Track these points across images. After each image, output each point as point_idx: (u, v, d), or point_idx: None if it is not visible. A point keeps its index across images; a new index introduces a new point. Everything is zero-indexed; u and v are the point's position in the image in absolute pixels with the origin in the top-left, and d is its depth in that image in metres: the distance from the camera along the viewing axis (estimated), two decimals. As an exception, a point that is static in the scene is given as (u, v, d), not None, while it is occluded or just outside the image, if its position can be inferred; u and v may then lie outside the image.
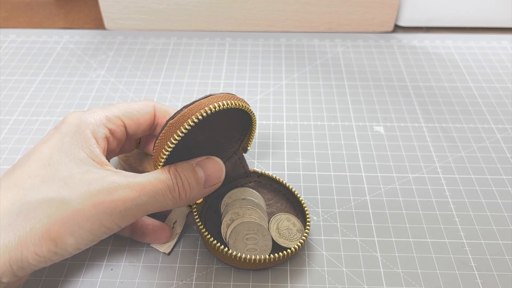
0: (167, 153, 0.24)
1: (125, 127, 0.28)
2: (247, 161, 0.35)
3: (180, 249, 0.29)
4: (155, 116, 0.29)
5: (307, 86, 0.43)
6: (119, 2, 0.49)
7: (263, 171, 0.32)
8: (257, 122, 0.39)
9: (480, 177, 0.34)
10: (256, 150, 0.36)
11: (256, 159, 0.36)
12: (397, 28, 0.52)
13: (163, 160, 0.25)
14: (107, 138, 0.26)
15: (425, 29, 0.52)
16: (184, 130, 0.24)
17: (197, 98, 0.25)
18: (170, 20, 0.51)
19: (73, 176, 0.23)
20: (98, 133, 0.26)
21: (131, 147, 0.31)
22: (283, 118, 0.40)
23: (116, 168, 0.34)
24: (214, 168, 0.26)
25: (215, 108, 0.24)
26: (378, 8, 0.49)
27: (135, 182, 0.23)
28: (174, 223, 0.30)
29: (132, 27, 0.51)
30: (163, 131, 0.24)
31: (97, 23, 0.54)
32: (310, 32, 0.51)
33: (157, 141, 0.25)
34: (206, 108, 0.24)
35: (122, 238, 0.30)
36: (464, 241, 0.30)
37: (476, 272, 0.28)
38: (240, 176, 0.31)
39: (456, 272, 0.28)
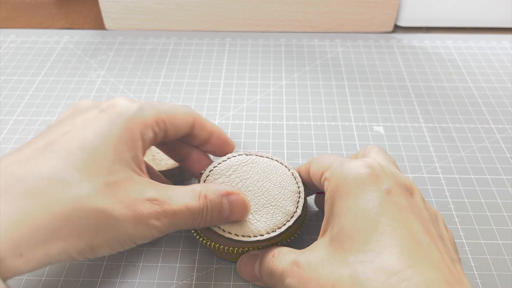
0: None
1: (165, 133, 0.26)
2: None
3: (180, 249, 0.29)
4: (193, 128, 0.28)
5: (307, 86, 0.43)
6: (119, 2, 0.49)
7: None
8: (258, 123, 0.39)
9: (480, 177, 0.34)
10: (256, 150, 0.37)
11: (256, 159, 0.36)
12: (397, 28, 0.52)
13: None
14: (150, 142, 0.25)
15: (425, 29, 0.52)
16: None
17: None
18: (170, 20, 0.51)
19: (119, 183, 0.21)
20: (145, 135, 0.24)
21: None
22: (283, 118, 0.40)
23: None
24: (240, 209, 0.25)
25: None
26: (378, 8, 0.49)
27: (169, 211, 0.22)
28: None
29: (132, 27, 0.51)
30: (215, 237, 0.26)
31: (97, 23, 0.54)
32: (310, 32, 0.51)
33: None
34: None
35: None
36: (464, 241, 0.30)
37: (475, 272, 0.28)
38: None
39: (456, 272, 0.28)
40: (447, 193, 0.33)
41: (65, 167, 0.20)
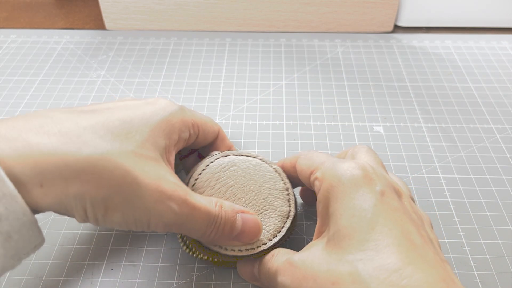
0: None
1: (197, 138, 0.27)
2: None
3: (180, 249, 0.29)
4: (217, 138, 0.29)
5: (307, 86, 0.43)
6: (119, 2, 0.49)
7: None
8: (257, 123, 0.39)
9: (479, 177, 0.34)
10: (256, 150, 0.37)
11: (256, 159, 0.36)
12: (397, 28, 0.52)
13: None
14: (183, 142, 0.25)
15: (425, 29, 0.52)
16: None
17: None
18: (170, 20, 0.51)
19: (148, 158, 0.22)
20: (182, 133, 0.25)
21: None
22: (283, 118, 0.40)
23: None
24: (253, 229, 0.25)
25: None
26: (378, 8, 0.49)
27: (190, 203, 0.22)
28: None
29: (132, 27, 0.51)
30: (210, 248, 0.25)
31: (97, 23, 0.54)
32: (310, 32, 0.51)
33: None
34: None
35: (122, 238, 0.30)
36: (464, 241, 0.30)
37: (475, 272, 0.28)
38: None
39: (456, 272, 0.28)
40: (447, 193, 0.33)
41: (101, 128, 0.21)
